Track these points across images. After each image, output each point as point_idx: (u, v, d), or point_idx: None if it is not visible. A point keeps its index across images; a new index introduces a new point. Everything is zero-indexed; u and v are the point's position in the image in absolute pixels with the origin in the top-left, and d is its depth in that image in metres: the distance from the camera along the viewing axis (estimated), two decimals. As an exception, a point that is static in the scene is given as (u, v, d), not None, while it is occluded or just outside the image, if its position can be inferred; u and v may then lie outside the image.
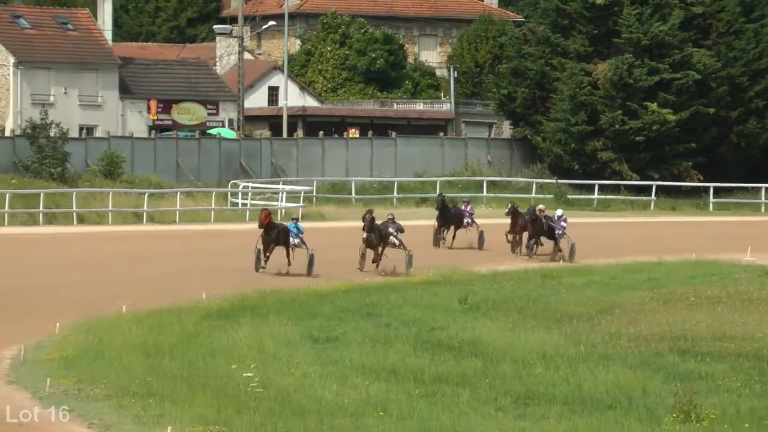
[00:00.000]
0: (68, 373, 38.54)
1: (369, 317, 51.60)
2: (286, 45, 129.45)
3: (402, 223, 67.04)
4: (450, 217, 65.90)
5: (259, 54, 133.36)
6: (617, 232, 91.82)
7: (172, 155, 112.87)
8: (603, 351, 45.34)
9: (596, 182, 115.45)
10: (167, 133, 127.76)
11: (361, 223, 68.60)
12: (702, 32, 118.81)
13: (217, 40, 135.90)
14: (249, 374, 38.77)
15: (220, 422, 32.69)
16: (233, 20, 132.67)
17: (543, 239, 68.61)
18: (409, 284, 61.93)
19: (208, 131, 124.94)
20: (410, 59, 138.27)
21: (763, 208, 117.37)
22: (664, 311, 55.05)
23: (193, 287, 57.29)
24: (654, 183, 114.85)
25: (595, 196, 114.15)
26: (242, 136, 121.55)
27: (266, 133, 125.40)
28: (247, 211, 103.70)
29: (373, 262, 61.97)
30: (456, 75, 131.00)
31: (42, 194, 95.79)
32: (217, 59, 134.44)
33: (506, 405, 36.03)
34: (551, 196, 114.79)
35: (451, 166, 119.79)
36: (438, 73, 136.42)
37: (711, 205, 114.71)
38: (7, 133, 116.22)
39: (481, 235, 68.45)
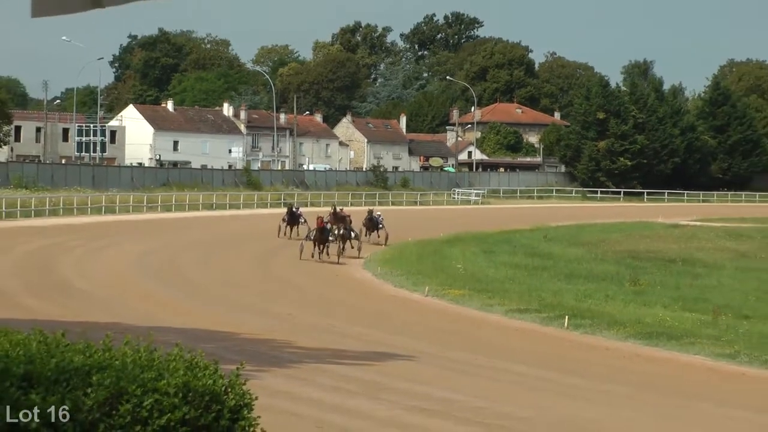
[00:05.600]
0: (386, 265, 38.51)
1: (507, 243, 50.82)
2: (475, 134, 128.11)
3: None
4: (295, 218, 49.99)
5: (461, 138, 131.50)
6: (608, 211, 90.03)
7: (429, 178, 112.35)
8: (601, 257, 45.43)
9: (598, 189, 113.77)
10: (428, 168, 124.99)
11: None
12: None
13: (447, 132, 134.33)
14: (459, 266, 39.18)
15: (447, 285, 32.65)
16: (453, 124, 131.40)
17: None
18: (523, 230, 59.88)
19: (443, 169, 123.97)
20: (525, 141, 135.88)
21: (670, 200, 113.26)
22: (626, 242, 54.30)
23: (437, 230, 55.24)
24: (622, 190, 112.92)
25: (598, 196, 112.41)
26: (457, 171, 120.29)
27: (466, 169, 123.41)
28: (457, 200, 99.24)
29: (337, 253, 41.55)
30: (543, 146, 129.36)
31: (378, 194, 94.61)
32: (447, 140, 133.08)
33: (561, 278, 36.14)
34: (580, 195, 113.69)
35: (541, 182, 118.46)
36: (536, 145, 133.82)
37: (645, 197, 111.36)
38: (363, 169, 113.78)
39: (307, 229, 47.22)
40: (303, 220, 49.72)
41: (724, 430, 15.67)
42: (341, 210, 49.56)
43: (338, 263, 39.76)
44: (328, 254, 40.36)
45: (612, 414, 16.30)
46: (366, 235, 49.23)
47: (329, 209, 50.36)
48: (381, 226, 49.58)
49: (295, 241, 46.24)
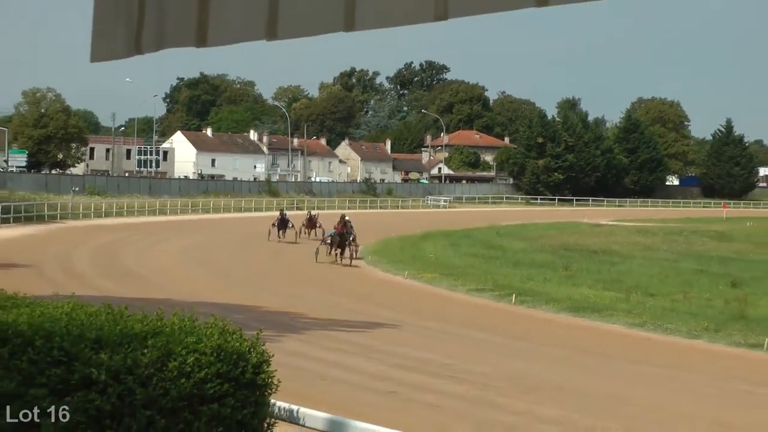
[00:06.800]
0: (375, 255, 38.16)
1: (468, 238, 50.21)
2: (443, 154, 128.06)
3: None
4: (285, 222, 44.14)
5: (433, 157, 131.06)
6: (546, 213, 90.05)
7: (409, 188, 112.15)
8: (540, 249, 44.88)
9: (538, 197, 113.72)
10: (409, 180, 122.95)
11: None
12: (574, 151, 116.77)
13: (422, 152, 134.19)
14: (431, 256, 38.79)
15: (422, 270, 32.53)
16: (426, 146, 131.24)
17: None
18: (480, 228, 59.27)
19: (419, 181, 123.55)
20: (482, 159, 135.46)
21: (590, 205, 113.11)
22: (559, 237, 53.73)
23: (414, 228, 54.80)
24: (557, 198, 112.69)
25: (538, 201, 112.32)
26: (429, 182, 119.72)
27: (436, 181, 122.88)
28: (430, 204, 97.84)
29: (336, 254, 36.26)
30: (496, 164, 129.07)
31: (369, 200, 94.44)
32: (422, 159, 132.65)
33: (510, 265, 35.89)
34: (524, 201, 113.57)
35: (493, 191, 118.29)
36: (491, 163, 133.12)
37: (574, 202, 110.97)
38: (357, 180, 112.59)
39: (295, 233, 44.66)
40: (291, 225, 44.74)
41: (636, 382, 15.67)
42: (316, 215, 46.79)
43: (351, 265, 34.62)
44: (343, 256, 35.39)
45: (551, 369, 16.28)
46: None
47: (306, 213, 48.11)
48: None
49: (288, 241, 44.25)
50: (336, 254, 35.51)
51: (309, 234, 45.64)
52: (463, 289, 28.28)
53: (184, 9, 2.05)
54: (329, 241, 36.22)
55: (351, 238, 38.14)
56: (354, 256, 35.91)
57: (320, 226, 45.09)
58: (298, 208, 62.20)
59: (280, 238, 43.68)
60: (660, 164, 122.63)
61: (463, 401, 13.28)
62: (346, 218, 44.75)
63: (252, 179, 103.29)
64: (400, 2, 1.71)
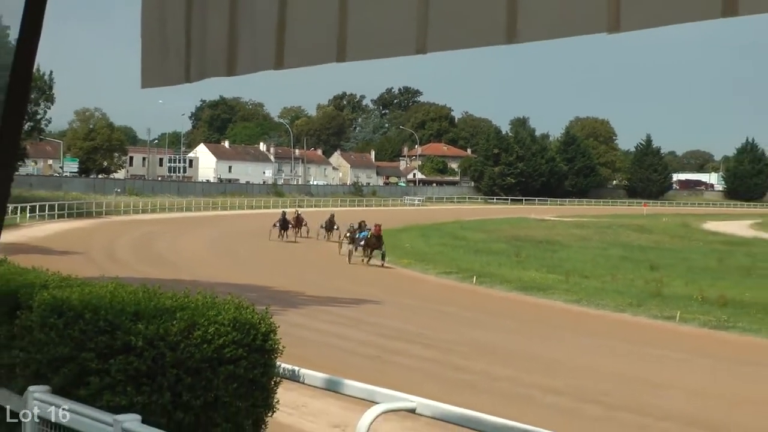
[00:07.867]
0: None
1: (437, 230, 49.46)
2: (417, 162, 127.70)
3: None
4: (286, 222, 39.47)
5: (409, 165, 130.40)
6: (501, 211, 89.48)
7: (389, 190, 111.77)
8: (496, 239, 44.45)
9: (494, 197, 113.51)
10: (390, 183, 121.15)
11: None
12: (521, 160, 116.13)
13: (400, 161, 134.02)
14: (407, 245, 38.21)
15: (399, 257, 31.90)
16: (404, 156, 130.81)
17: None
18: (447, 222, 58.71)
19: (398, 184, 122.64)
20: (449, 167, 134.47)
21: (536, 205, 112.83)
22: (511, 230, 53.18)
23: (393, 223, 54.04)
24: (510, 198, 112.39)
25: (494, 201, 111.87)
26: (406, 185, 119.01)
27: (412, 184, 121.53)
28: (407, 203, 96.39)
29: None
30: (460, 170, 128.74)
31: (357, 200, 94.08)
32: (400, 166, 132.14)
33: (471, 252, 35.52)
34: (483, 201, 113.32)
35: (458, 193, 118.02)
36: (456, 169, 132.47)
37: (524, 202, 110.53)
38: (348, 184, 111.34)
39: (294, 232, 40.42)
40: (291, 224, 40.33)
41: (574, 348, 15.72)
42: (301, 214, 42.99)
43: (383, 266, 29.27)
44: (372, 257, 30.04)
45: (505, 337, 16.33)
46: (325, 235, 39.81)
47: (293, 212, 44.44)
48: (337, 227, 39.64)
49: (287, 240, 39.25)
50: (372, 256, 29.96)
51: (297, 232, 41.92)
52: (434, 272, 28.26)
53: (219, 45, 2.09)
54: (363, 243, 30.36)
55: (336, 228, 35.39)
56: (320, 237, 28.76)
57: (306, 224, 42.14)
58: (299, 206, 61.86)
59: (281, 237, 39.32)
60: (593, 171, 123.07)
61: (433, 363, 13.30)
62: (334, 217, 42.05)
63: (261, 183, 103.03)
64: (386, 38, 1.71)
